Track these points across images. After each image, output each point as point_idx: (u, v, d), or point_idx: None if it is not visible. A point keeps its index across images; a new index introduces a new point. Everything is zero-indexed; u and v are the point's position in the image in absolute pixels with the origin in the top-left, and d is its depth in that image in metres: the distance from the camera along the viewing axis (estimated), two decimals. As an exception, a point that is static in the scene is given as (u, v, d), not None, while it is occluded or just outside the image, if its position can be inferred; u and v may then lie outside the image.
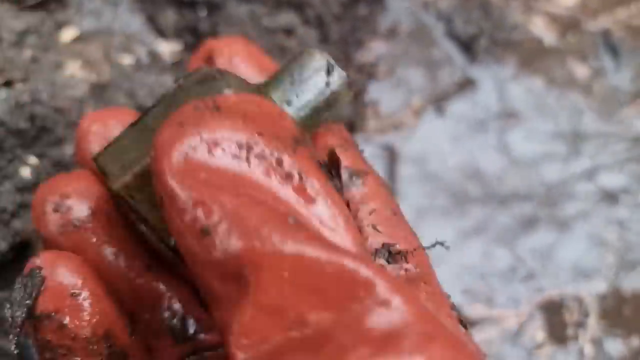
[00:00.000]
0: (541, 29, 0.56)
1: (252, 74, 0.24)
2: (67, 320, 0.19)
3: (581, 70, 0.54)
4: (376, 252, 0.20)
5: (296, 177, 0.17)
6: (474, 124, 0.52)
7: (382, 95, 0.51)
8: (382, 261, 0.20)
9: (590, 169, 0.51)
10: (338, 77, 0.22)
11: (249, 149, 0.17)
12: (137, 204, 0.19)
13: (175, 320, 0.22)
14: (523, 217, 0.47)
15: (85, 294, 0.20)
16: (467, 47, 0.53)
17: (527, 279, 0.45)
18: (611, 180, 0.51)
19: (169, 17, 0.42)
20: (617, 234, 0.49)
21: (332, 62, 0.22)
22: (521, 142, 0.51)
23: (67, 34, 0.38)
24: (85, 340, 0.19)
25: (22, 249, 0.34)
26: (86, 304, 0.19)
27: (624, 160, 0.52)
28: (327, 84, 0.22)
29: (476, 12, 0.54)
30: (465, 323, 0.20)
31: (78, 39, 0.38)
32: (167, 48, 0.43)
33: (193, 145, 0.16)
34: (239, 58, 0.25)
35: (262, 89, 0.21)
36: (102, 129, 0.24)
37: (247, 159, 0.16)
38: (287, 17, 0.43)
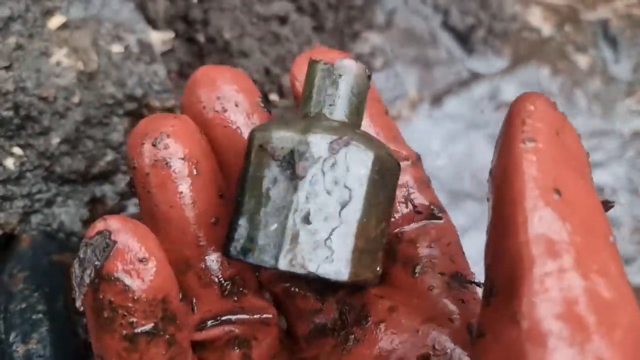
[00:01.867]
0: (539, 19, 0.55)
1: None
2: (131, 283, 0.20)
3: (580, 62, 0.54)
4: (451, 279, 0.23)
5: None
6: (470, 118, 0.51)
7: (378, 87, 0.50)
8: (456, 285, 0.23)
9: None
10: (344, 67, 0.23)
11: None
12: None
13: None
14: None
15: (151, 261, 0.21)
16: (464, 38, 0.52)
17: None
18: (605, 177, 0.50)
19: (160, 4, 0.41)
20: (612, 230, 0.48)
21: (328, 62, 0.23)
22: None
23: (54, 21, 0.37)
24: (145, 303, 0.21)
25: (6, 242, 0.33)
26: (151, 270, 0.21)
27: (618, 158, 0.51)
28: (337, 78, 0.23)
29: (473, 3, 0.53)
30: None
31: (65, 27, 0.37)
32: (158, 37, 0.41)
33: None
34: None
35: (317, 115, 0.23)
36: (211, 85, 0.25)
37: None
38: (281, 5, 0.42)
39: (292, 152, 0.21)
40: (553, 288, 0.16)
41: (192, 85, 0.25)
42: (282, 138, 0.21)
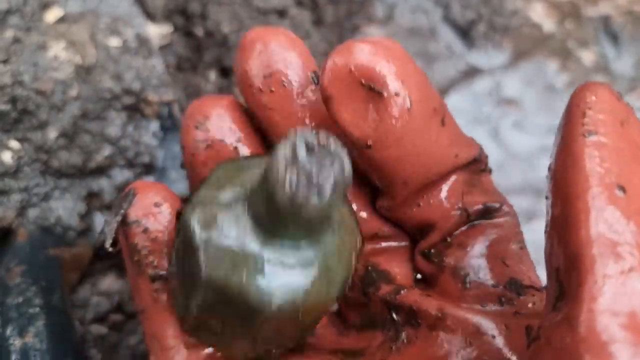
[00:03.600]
0: (540, 15, 0.55)
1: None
2: (149, 224, 0.23)
3: (583, 58, 0.53)
4: (505, 288, 0.22)
5: None
6: (471, 112, 0.50)
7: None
8: (513, 295, 0.22)
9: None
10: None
11: None
12: None
13: None
14: (521, 210, 0.46)
15: (165, 205, 0.23)
16: (465, 33, 0.52)
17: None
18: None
19: (158, -2, 0.41)
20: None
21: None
22: (519, 135, 0.50)
23: (52, 15, 0.37)
24: (163, 243, 0.23)
25: (3, 236, 0.33)
26: (165, 212, 0.23)
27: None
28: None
29: (474, -3, 0.53)
30: None
31: (63, 20, 0.37)
32: (156, 30, 0.41)
33: None
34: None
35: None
36: (263, 47, 0.23)
37: None
38: (280, -1, 0.41)
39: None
40: (614, 292, 0.15)
41: (244, 49, 0.24)
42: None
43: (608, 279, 0.15)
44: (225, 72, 0.41)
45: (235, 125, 0.25)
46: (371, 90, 0.20)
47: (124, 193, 0.24)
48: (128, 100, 0.36)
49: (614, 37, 0.54)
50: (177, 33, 0.41)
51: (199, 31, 0.41)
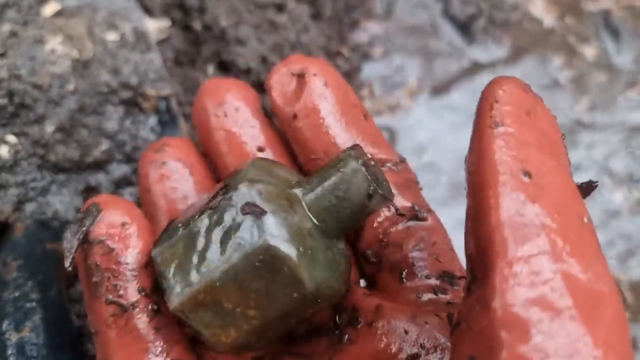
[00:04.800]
0: (541, 9, 0.54)
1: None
2: (114, 245, 0.22)
3: (584, 53, 0.53)
4: (438, 279, 0.23)
5: None
6: (472, 108, 0.50)
7: (378, 76, 0.50)
8: (444, 284, 0.23)
9: (587, 159, 0.49)
10: (377, 201, 0.22)
11: None
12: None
13: None
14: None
15: (133, 226, 0.23)
16: (465, 28, 0.52)
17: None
18: (607, 170, 0.50)
19: (156, -8, 0.41)
20: (615, 224, 0.48)
21: (374, 186, 0.22)
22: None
23: (49, 9, 0.37)
24: (128, 267, 0.22)
25: (0, 230, 0.33)
26: (133, 234, 0.23)
27: (621, 151, 0.50)
28: (366, 207, 0.22)
29: (474, -8, 0.52)
30: None
31: (60, 14, 0.37)
32: (154, 25, 0.41)
33: None
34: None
35: (295, 193, 0.23)
36: (215, 94, 0.28)
37: None
38: (278, -7, 0.41)
39: (226, 186, 0.22)
40: (524, 272, 0.16)
41: (199, 95, 0.28)
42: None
43: (517, 260, 0.16)
44: (223, 66, 0.41)
45: (188, 152, 0.28)
46: (299, 76, 0.26)
47: (86, 208, 0.23)
48: (125, 94, 0.36)
49: (615, 32, 0.54)
50: (175, 27, 0.41)
51: (197, 25, 0.41)
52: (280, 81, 0.27)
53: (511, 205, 0.16)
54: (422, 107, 0.50)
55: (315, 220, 0.22)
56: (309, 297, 0.21)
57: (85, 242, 0.22)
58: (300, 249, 0.21)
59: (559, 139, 0.19)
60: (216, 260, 0.21)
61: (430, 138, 0.49)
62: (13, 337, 0.28)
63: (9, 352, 0.28)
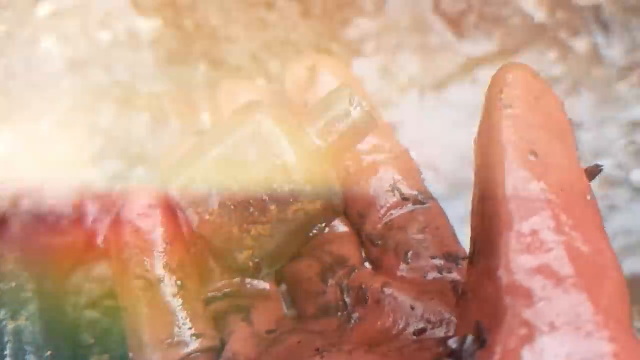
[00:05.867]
0: (531, 4, 0.55)
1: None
2: (142, 224, 0.25)
3: (575, 47, 0.53)
4: (442, 259, 0.25)
5: None
6: (467, 104, 0.51)
7: (368, 73, 0.50)
8: (448, 264, 0.25)
9: (587, 155, 0.50)
10: (359, 108, 0.26)
11: None
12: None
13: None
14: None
15: (157, 210, 0.25)
16: (455, 23, 0.53)
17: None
18: (607, 166, 0.50)
19: (148, -8, 0.41)
20: (616, 219, 0.48)
21: (355, 94, 0.26)
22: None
23: (43, 9, 0.38)
24: (156, 244, 0.25)
25: (-3, 225, 0.34)
26: (157, 215, 0.25)
27: (620, 146, 0.51)
28: (349, 113, 0.26)
29: (464, -13, 0.53)
30: None
31: (54, 14, 0.38)
32: (146, 24, 0.42)
33: None
34: None
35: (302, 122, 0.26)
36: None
37: None
38: (268, -9, 0.42)
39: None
40: (528, 243, 0.17)
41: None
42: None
43: (522, 232, 0.17)
44: (214, 64, 0.42)
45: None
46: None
47: (118, 191, 0.25)
48: (118, 93, 0.37)
49: (605, 26, 0.54)
50: (166, 26, 0.42)
51: (189, 24, 0.42)
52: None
53: (518, 181, 0.18)
54: (414, 103, 0.50)
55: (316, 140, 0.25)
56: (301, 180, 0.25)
57: (116, 222, 0.25)
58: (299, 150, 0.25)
59: (566, 123, 0.20)
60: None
61: (423, 134, 0.50)
62: (10, 325, 0.29)
63: (6, 338, 0.29)
